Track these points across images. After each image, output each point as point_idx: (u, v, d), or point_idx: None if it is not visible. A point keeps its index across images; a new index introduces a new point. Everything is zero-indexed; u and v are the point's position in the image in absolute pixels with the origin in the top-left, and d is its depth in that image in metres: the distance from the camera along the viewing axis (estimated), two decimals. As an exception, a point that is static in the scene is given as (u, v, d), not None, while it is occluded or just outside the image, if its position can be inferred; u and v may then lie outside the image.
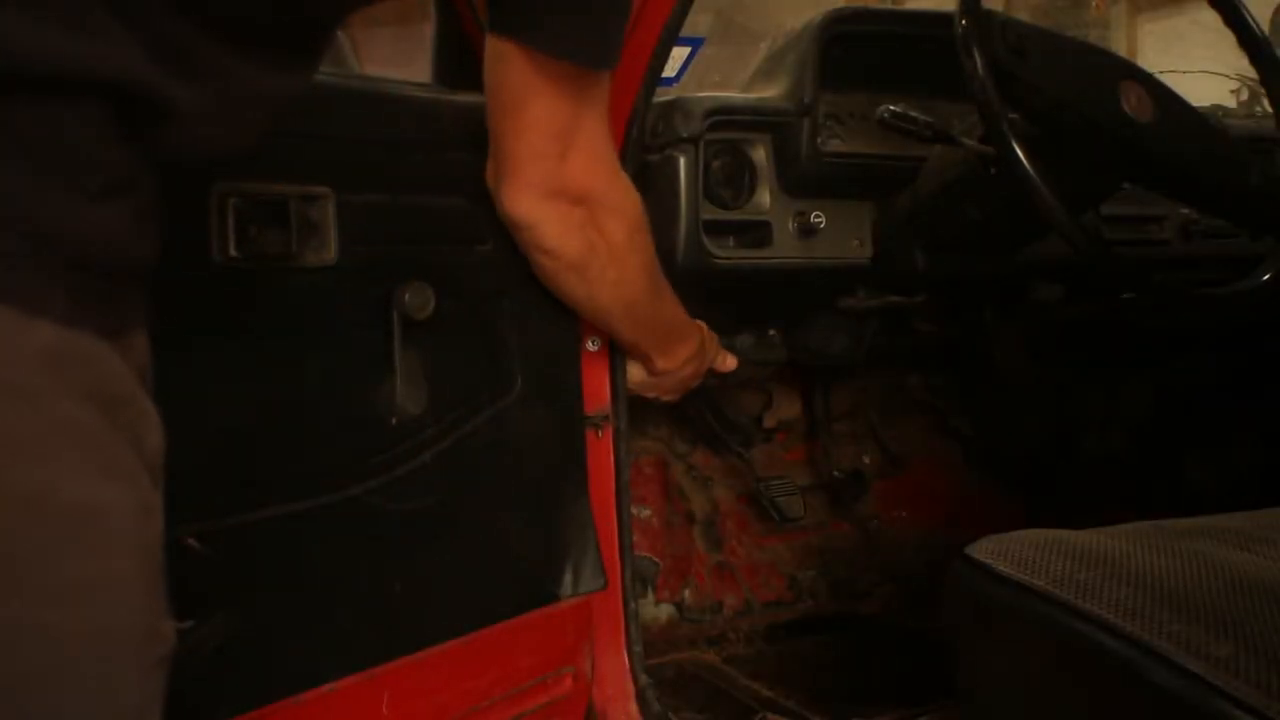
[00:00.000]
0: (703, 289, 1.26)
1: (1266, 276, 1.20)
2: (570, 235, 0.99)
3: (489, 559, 1.09)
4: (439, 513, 1.03)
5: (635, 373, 1.23)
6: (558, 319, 1.13)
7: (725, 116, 1.25)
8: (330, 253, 0.93)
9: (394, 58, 1.44)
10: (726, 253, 1.28)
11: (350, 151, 0.96)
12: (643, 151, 1.21)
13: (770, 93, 1.32)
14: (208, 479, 0.87)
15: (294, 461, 0.93)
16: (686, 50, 1.92)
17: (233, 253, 0.87)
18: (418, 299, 0.97)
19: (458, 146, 0.98)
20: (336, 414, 0.97)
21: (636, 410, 1.28)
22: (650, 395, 1.29)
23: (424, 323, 0.98)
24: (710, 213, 1.26)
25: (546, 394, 1.13)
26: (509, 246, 1.03)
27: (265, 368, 0.92)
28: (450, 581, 1.05)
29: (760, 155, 1.30)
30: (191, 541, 0.85)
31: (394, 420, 0.99)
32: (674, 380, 1.26)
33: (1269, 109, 1.30)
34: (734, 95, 1.34)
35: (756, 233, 1.31)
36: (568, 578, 1.14)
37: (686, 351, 1.23)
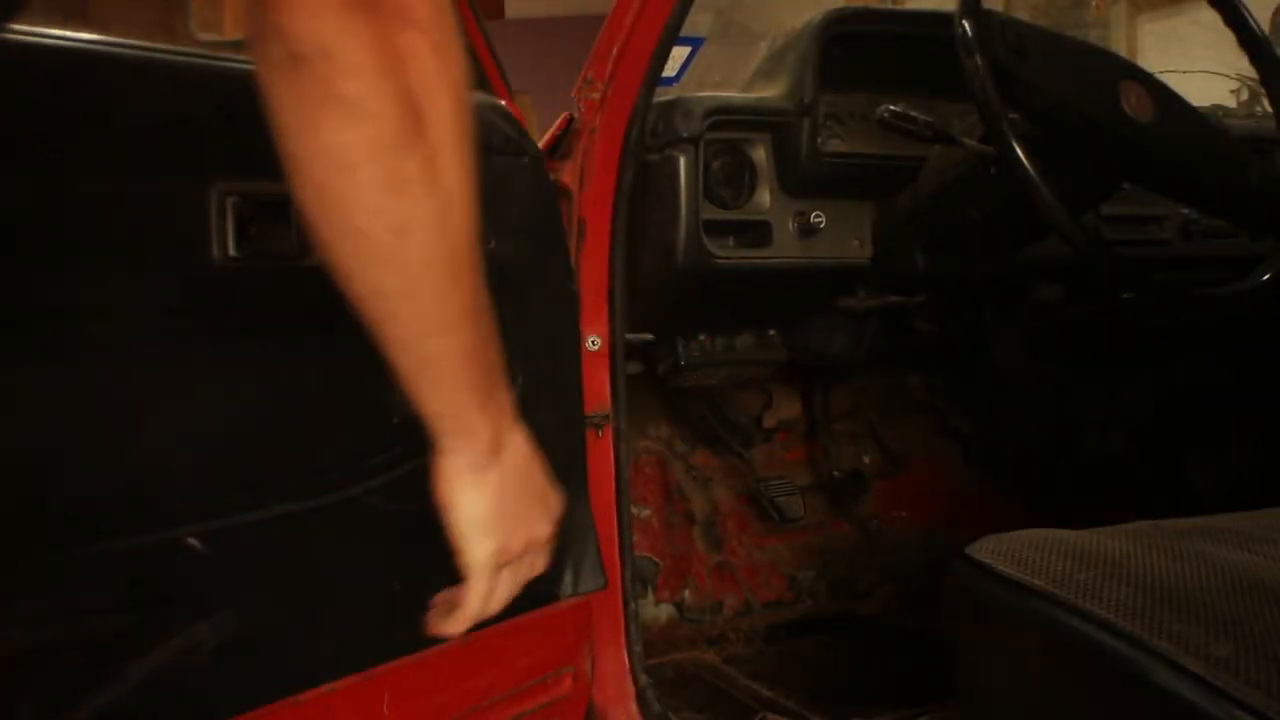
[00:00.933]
0: (703, 289, 1.26)
1: (1266, 276, 1.20)
2: (389, 77, 0.57)
3: (489, 559, 1.09)
4: (439, 513, 1.03)
5: (465, 500, 0.81)
6: (558, 319, 1.13)
7: (725, 116, 1.25)
8: (330, 252, 0.93)
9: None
10: (726, 252, 1.28)
11: (350, 151, 0.96)
12: (643, 151, 1.21)
13: (770, 93, 1.32)
14: (208, 479, 0.87)
15: (294, 461, 0.93)
16: (686, 50, 1.93)
17: (233, 253, 0.87)
18: (418, 299, 0.97)
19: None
20: (336, 414, 0.96)
21: (636, 410, 1.28)
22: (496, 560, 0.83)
23: (424, 323, 0.98)
24: (710, 213, 1.26)
25: (546, 394, 1.13)
26: (510, 246, 1.03)
27: (265, 368, 0.92)
28: (450, 581, 1.05)
29: (760, 155, 1.30)
30: (192, 541, 0.84)
31: (394, 420, 0.99)
32: (511, 481, 0.82)
33: (1269, 109, 1.31)
34: (734, 95, 1.34)
35: (756, 233, 1.31)
36: (568, 577, 1.14)
37: (506, 407, 0.79)
